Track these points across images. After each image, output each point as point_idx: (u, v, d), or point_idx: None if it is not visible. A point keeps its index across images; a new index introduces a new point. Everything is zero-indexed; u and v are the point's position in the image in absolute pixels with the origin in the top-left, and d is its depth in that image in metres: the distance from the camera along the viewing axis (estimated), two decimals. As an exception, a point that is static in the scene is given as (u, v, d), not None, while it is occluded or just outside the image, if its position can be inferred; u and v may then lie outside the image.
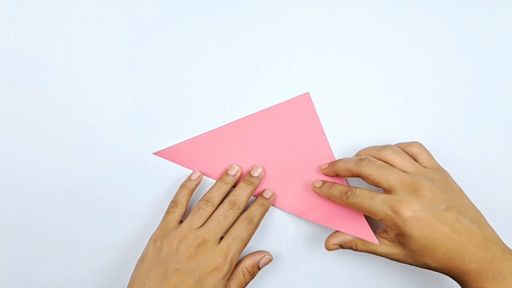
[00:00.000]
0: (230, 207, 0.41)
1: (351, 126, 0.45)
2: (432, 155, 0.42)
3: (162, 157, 0.45)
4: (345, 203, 0.40)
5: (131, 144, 0.45)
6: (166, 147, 0.45)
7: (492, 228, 0.38)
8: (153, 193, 0.45)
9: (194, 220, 0.41)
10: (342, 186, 0.41)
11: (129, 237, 0.45)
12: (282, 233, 0.46)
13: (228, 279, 0.40)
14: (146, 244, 0.42)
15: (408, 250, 0.38)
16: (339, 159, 0.42)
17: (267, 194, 0.43)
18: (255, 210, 0.42)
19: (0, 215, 0.45)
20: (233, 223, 0.41)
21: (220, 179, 0.43)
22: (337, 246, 0.42)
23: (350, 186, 0.40)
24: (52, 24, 0.45)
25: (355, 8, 0.45)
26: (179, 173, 0.45)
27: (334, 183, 0.42)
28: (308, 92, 0.45)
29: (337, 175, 0.42)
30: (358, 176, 0.40)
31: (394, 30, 0.45)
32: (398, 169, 0.39)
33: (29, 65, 0.44)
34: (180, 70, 0.45)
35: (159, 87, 0.45)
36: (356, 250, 0.41)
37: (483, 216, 0.39)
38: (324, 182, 0.43)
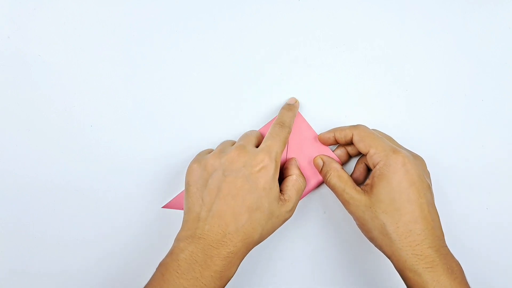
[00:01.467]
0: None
1: (351, 126, 0.45)
2: (432, 154, 0.42)
3: (171, 208, 0.45)
4: (353, 133, 0.41)
5: (131, 144, 0.45)
6: (166, 147, 0.45)
7: None
8: (153, 193, 0.45)
9: (222, 144, 0.42)
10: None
11: (129, 237, 0.45)
12: (282, 233, 0.46)
13: (285, 188, 0.40)
14: (146, 242, 0.42)
15: (373, 200, 0.38)
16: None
17: (291, 101, 0.44)
18: (284, 114, 0.42)
19: (0, 215, 0.45)
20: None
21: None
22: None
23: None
24: (52, 24, 0.45)
25: (355, 8, 0.45)
26: (179, 173, 0.45)
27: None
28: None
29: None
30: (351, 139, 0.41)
31: (394, 30, 0.45)
32: None
33: (29, 65, 0.44)
34: (180, 70, 0.45)
35: (159, 87, 0.45)
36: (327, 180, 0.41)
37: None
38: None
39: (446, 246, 0.37)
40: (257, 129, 0.45)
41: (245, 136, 0.42)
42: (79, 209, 0.45)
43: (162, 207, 0.45)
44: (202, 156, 0.41)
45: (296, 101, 0.44)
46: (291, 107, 0.43)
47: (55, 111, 0.45)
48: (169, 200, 0.45)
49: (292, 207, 0.40)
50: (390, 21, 0.45)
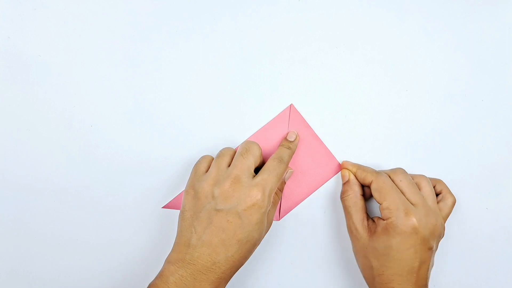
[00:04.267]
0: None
1: (351, 126, 0.45)
2: (432, 154, 0.42)
3: (171, 208, 0.45)
4: (373, 175, 0.42)
5: (131, 144, 0.45)
6: (166, 146, 0.45)
7: None
8: (153, 192, 0.45)
9: (219, 160, 0.41)
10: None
11: (129, 237, 0.45)
12: (283, 233, 0.46)
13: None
14: (146, 242, 0.42)
15: (371, 243, 0.40)
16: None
17: (291, 137, 0.44)
18: (283, 151, 0.42)
19: (0, 215, 0.45)
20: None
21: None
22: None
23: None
24: (52, 24, 0.45)
25: (355, 8, 0.45)
26: (179, 173, 0.45)
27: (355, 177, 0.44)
28: (291, 104, 0.45)
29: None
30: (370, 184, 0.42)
31: (394, 30, 0.45)
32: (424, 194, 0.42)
33: (29, 65, 0.44)
34: (180, 70, 0.45)
35: (159, 87, 0.45)
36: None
37: None
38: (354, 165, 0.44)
39: None
40: (258, 128, 0.45)
41: (243, 156, 0.40)
42: (79, 209, 0.45)
43: (163, 207, 0.45)
44: (198, 179, 0.40)
45: (297, 137, 0.44)
46: (290, 145, 0.43)
47: (55, 111, 0.45)
48: (169, 200, 0.45)
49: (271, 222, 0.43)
50: (390, 21, 0.45)
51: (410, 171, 0.45)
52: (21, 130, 0.45)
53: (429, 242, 0.39)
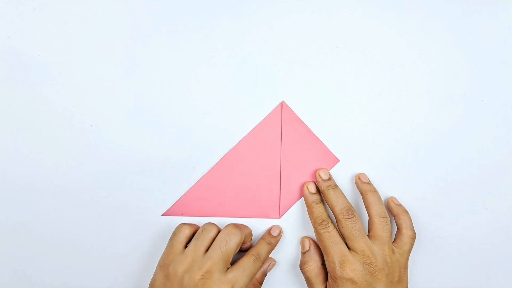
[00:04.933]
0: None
1: (351, 126, 0.45)
2: (432, 154, 0.42)
3: (172, 215, 0.45)
4: (314, 225, 0.43)
5: (131, 144, 0.45)
6: (165, 147, 0.45)
7: None
8: (153, 192, 0.45)
9: (198, 243, 0.41)
10: (324, 211, 0.43)
11: (129, 237, 0.45)
12: (283, 233, 0.46)
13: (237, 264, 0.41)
14: (145, 242, 0.42)
15: None
16: (335, 188, 0.43)
17: (274, 232, 0.44)
18: (262, 248, 0.43)
19: (0, 215, 0.45)
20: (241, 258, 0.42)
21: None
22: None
23: (328, 217, 0.43)
24: (52, 24, 0.45)
25: (355, 8, 0.45)
26: (179, 172, 0.45)
27: (321, 201, 0.44)
28: (283, 101, 0.45)
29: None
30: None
31: (394, 30, 0.45)
32: (372, 236, 0.42)
33: (29, 65, 0.44)
34: (180, 70, 0.45)
35: (159, 87, 0.45)
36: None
37: None
38: (317, 192, 0.44)
39: None
40: (256, 123, 0.45)
41: (220, 247, 0.40)
42: (79, 209, 0.45)
43: (162, 215, 0.45)
44: (173, 259, 0.40)
45: (280, 231, 0.45)
46: (272, 241, 0.44)
47: (55, 111, 0.45)
48: (168, 200, 0.45)
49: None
50: (390, 21, 0.45)
51: (410, 171, 0.45)
52: (21, 130, 0.45)
53: (371, 282, 0.40)
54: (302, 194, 0.45)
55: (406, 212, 0.44)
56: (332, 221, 0.42)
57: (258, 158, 0.45)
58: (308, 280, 0.43)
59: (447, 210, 0.46)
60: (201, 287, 0.38)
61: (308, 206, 0.44)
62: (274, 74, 0.45)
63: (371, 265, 0.40)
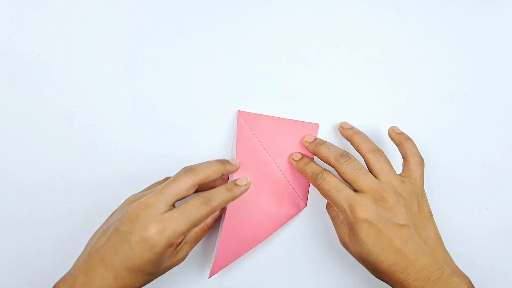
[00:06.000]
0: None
1: (351, 126, 0.45)
2: (432, 154, 0.42)
3: None
4: (313, 183, 0.40)
5: (131, 144, 0.45)
6: (165, 147, 0.45)
7: (448, 254, 0.39)
8: (153, 193, 0.45)
9: (166, 181, 0.38)
10: (315, 166, 0.41)
11: (129, 237, 0.45)
12: (282, 233, 0.46)
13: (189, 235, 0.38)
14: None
15: (357, 251, 0.38)
16: (324, 142, 0.42)
17: (241, 182, 0.39)
18: (217, 192, 0.38)
19: (0, 215, 0.45)
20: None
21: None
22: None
23: (323, 169, 0.40)
24: (52, 24, 0.45)
25: (355, 8, 0.45)
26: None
27: (310, 160, 0.43)
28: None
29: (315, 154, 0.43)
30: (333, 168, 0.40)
31: (394, 30, 0.45)
32: (374, 174, 0.39)
33: (29, 65, 0.44)
34: (180, 70, 0.45)
35: (159, 87, 0.45)
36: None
37: (441, 243, 0.39)
38: (302, 156, 0.43)
39: (438, 270, 0.37)
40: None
41: (171, 183, 0.36)
42: (79, 209, 0.45)
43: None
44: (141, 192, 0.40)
45: (247, 183, 0.39)
46: (232, 189, 0.38)
47: (55, 111, 0.45)
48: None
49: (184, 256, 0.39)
50: (390, 21, 0.45)
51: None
52: (21, 130, 0.45)
53: (390, 221, 0.37)
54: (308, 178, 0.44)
55: (409, 139, 0.41)
56: (328, 172, 0.40)
57: (254, 166, 0.44)
58: (333, 220, 0.41)
59: (447, 210, 0.46)
60: (134, 219, 0.35)
61: (301, 172, 0.42)
62: (274, 74, 0.45)
63: (384, 200, 0.37)
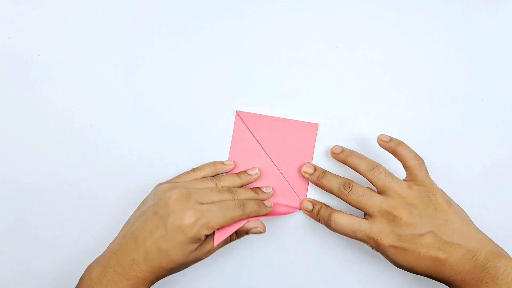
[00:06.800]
0: (227, 191, 0.41)
1: (351, 126, 0.45)
2: (432, 154, 0.42)
3: None
4: (340, 197, 0.41)
5: (131, 144, 0.45)
6: (165, 147, 0.45)
7: (480, 233, 0.39)
8: (153, 193, 0.45)
9: (191, 174, 0.43)
10: (339, 178, 0.42)
11: (129, 237, 0.45)
12: (283, 233, 0.46)
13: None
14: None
15: (397, 266, 0.40)
16: (324, 174, 0.43)
17: (267, 203, 0.43)
18: (250, 203, 0.41)
19: (0, 215, 0.45)
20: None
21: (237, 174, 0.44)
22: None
23: (331, 212, 0.41)
24: (52, 24, 0.45)
25: (355, 8, 0.45)
26: (179, 172, 0.45)
27: (325, 171, 0.43)
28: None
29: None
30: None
31: (394, 30, 0.45)
32: (380, 192, 0.40)
33: (29, 65, 0.44)
34: (180, 70, 0.45)
35: (159, 87, 0.45)
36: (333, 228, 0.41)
37: (469, 227, 0.39)
38: (315, 168, 0.43)
39: (472, 259, 0.37)
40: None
41: (213, 181, 0.42)
42: (79, 209, 0.45)
43: None
44: (177, 178, 0.43)
45: (271, 206, 0.43)
46: (261, 205, 0.42)
47: (55, 111, 0.45)
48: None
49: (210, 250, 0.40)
50: (390, 21, 0.45)
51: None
52: (21, 130, 0.45)
53: (412, 234, 0.38)
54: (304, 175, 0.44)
55: (400, 143, 0.41)
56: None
57: (251, 166, 0.45)
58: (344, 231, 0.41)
59: (447, 210, 0.45)
60: (173, 204, 0.38)
61: (318, 185, 0.43)
62: (274, 74, 0.45)
63: (397, 218, 0.38)
